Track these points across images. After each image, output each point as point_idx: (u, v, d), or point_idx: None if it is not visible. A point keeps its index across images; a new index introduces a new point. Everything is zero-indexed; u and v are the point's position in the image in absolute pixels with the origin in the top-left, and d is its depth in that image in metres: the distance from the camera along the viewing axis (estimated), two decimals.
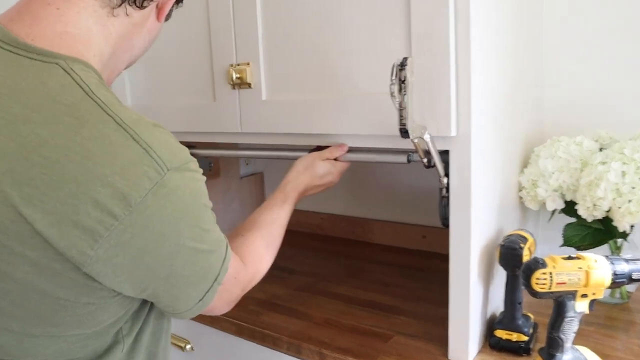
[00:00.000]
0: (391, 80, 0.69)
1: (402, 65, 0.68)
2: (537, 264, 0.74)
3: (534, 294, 0.74)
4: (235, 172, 1.66)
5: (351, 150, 0.93)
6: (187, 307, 0.61)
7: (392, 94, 0.70)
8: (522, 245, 0.83)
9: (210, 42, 1.05)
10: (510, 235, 0.86)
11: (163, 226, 0.52)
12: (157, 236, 0.52)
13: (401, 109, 0.69)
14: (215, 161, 1.56)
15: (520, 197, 1.01)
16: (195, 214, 0.56)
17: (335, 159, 0.93)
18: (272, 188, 1.79)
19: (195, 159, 0.58)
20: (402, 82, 0.68)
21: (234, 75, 0.99)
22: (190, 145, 1.17)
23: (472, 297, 0.83)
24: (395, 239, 1.45)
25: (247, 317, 1.06)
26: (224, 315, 1.07)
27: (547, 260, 0.74)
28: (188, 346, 1.17)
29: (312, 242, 1.55)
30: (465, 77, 0.76)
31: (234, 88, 1.02)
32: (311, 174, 0.92)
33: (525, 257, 0.82)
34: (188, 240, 0.55)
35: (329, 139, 0.94)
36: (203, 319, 1.11)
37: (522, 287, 0.78)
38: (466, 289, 0.82)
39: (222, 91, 1.04)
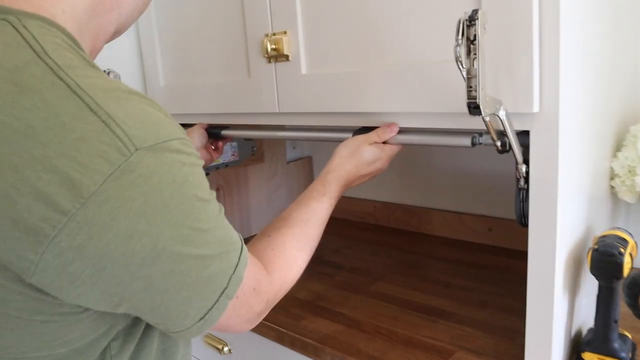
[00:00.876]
0: (457, 40, 0.54)
1: (472, 20, 0.52)
2: None
3: None
4: (281, 156, 1.54)
5: (403, 131, 0.78)
6: (183, 327, 0.48)
7: (458, 59, 0.54)
8: (622, 249, 0.65)
9: (242, 9, 0.92)
10: (605, 236, 0.69)
11: (132, 224, 0.40)
12: (124, 238, 0.40)
13: (470, 77, 0.54)
14: (259, 145, 1.45)
15: (612, 187, 0.83)
16: (182, 210, 0.43)
17: (385, 142, 0.78)
18: None
19: (185, 138, 0.45)
20: (471, 42, 0.53)
21: (269, 47, 0.86)
22: (223, 126, 1.06)
23: (557, 311, 0.67)
24: (457, 231, 1.29)
25: (288, 322, 0.94)
26: (263, 319, 0.96)
27: None
28: (225, 348, 1.08)
29: (363, 232, 1.41)
30: (552, 38, 0.59)
31: (269, 61, 0.89)
32: (357, 161, 0.78)
33: (627, 265, 0.65)
34: (171, 243, 0.43)
35: (378, 118, 0.79)
36: None
37: (621, 303, 0.61)
38: (549, 301, 0.66)
39: (256, 66, 0.92)
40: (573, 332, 0.75)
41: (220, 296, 0.48)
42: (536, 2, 0.59)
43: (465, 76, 0.54)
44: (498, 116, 0.59)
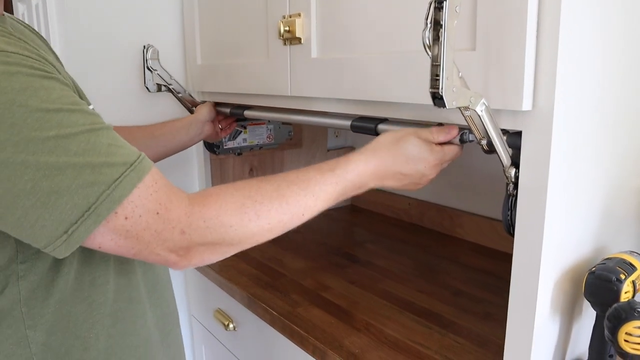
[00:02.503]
0: (425, 24, 0.49)
1: (440, 2, 0.47)
2: (631, 311, 0.49)
3: (623, 354, 0.50)
4: (321, 143, 1.53)
5: (396, 121, 0.74)
6: (47, 239, 0.47)
7: (425, 45, 0.50)
8: (622, 275, 0.57)
9: None
10: (610, 259, 0.61)
11: None
12: None
13: (435, 64, 0.49)
14: (298, 130, 1.44)
15: None
16: (9, 116, 0.44)
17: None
18: None
19: (10, 51, 0.46)
20: (438, 27, 0.48)
21: (282, 28, 0.85)
22: (246, 107, 1.06)
23: (538, 339, 0.60)
24: (488, 238, 1.21)
25: (283, 307, 0.94)
26: (260, 301, 0.96)
27: None
28: (231, 325, 1.09)
29: (393, 229, 1.37)
30: (551, 26, 0.53)
31: (285, 44, 0.88)
32: (397, 151, 0.66)
33: (626, 294, 0.57)
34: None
35: (380, 107, 0.75)
36: (242, 300, 1.02)
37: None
38: (528, 327, 0.59)
39: (274, 48, 0.91)
40: None
41: (86, 211, 0.47)
42: None
43: (430, 63, 0.49)
44: (476, 111, 0.54)
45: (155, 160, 1.01)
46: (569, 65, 0.54)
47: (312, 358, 0.84)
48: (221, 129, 1.16)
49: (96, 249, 0.51)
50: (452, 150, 0.68)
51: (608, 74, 0.60)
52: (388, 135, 0.68)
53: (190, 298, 1.31)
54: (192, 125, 1.07)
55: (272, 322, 0.93)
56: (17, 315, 0.55)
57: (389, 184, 0.68)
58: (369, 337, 0.83)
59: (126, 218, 0.49)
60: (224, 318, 1.12)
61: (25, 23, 0.71)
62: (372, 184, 0.66)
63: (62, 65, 0.75)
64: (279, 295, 0.99)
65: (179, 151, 1.07)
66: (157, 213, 0.51)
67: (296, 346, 0.87)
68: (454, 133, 0.66)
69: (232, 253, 0.58)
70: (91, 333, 0.60)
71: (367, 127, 0.77)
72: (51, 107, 0.46)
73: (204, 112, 1.10)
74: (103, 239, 0.50)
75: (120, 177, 0.48)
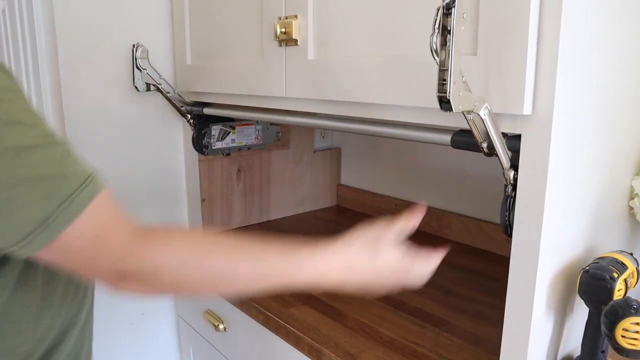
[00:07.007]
0: (433, 29, 0.50)
1: (448, 8, 0.48)
2: (627, 307, 0.51)
3: (619, 350, 0.52)
4: (308, 144, 1.53)
5: (389, 124, 0.75)
6: (3, 244, 0.48)
7: (433, 50, 0.51)
8: (615, 274, 0.59)
9: None
10: (602, 258, 0.63)
11: None
12: None
13: (443, 69, 0.50)
14: (286, 131, 1.44)
15: (631, 208, 0.75)
16: None
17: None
18: (350, 166, 1.66)
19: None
20: (446, 32, 0.49)
21: (279, 30, 0.85)
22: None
23: (535, 332, 0.62)
24: (475, 238, 1.23)
25: (277, 308, 0.94)
26: (254, 301, 0.96)
27: None
28: (221, 326, 1.09)
29: None
30: (552, 32, 0.54)
31: (280, 45, 0.88)
32: (372, 257, 0.65)
33: (619, 292, 0.59)
34: None
35: (375, 110, 0.76)
36: (233, 300, 1.02)
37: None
38: (526, 324, 0.61)
39: (269, 49, 0.91)
40: (560, 357, 0.70)
41: (41, 225, 0.47)
42: None
43: (438, 68, 0.51)
44: (479, 115, 0.55)
45: None
46: (568, 70, 0.56)
47: (308, 358, 0.84)
48: None
49: (34, 259, 0.50)
50: (437, 257, 0.69)
51: (605, 79, 0.63)
52: (365, 236, 0.66)
53: (177, 299, 1.30)
54: None
55: (266, 323, 0.93)
56: None
57: (355, 278, 0.64)
58: (363, 337, 0.84)
59: (68, 235, 0.49)
60: (214, 319, 1.11)
61: None
62: (335, 277, 0.63)
63: None
64: (271, 295, 0.99)
65: None
66: (98, 236, 0.51)
67: (290, 346, 0.88)
68: (420, 213, 0.71)
69: (168, 295, 0.56)
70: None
71: (471, 142, 0.63)
72: (12, 120, 0.47)
73: None
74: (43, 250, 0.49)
75: (76, 192, 0.48)
